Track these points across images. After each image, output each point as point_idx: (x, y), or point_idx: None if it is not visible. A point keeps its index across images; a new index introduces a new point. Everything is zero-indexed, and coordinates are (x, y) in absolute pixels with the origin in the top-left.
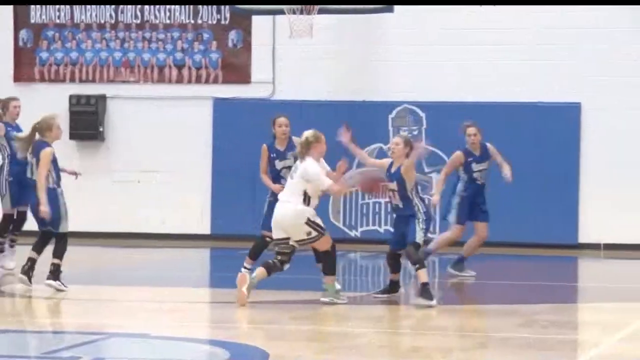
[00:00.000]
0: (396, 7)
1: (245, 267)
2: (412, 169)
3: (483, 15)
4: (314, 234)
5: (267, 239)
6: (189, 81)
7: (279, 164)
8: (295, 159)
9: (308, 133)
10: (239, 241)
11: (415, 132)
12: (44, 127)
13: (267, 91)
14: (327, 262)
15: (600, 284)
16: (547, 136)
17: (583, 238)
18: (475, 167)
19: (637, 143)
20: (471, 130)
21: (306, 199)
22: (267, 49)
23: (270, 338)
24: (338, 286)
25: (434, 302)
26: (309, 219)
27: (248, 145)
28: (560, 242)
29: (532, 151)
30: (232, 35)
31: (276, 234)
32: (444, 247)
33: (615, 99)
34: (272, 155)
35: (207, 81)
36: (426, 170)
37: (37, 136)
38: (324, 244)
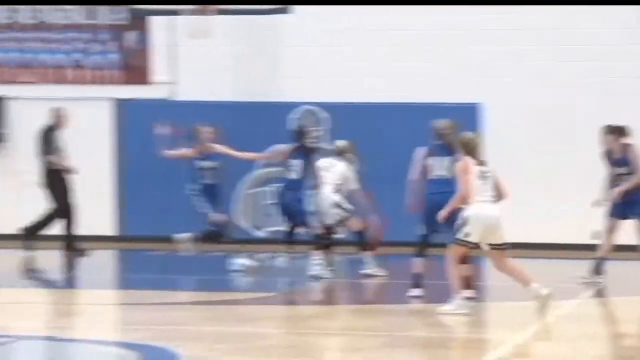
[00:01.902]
0: (297, 8)
1: None
2: None
3: (382, 15)
4: None
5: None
6: (88, 82)
7: None
8: None
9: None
10: (150, 242)
11: (321, 133)
12: None
13: (167, 92)
14: None
15: (501, 283)
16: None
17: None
18: None
19: (535, 142)
20: None
21: None
22: (166, 50)
23: (182, 339)
24: None
25: None
26: None
27: (149, 145)
28: None
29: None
30: (131, 35)
31: None
32: None
33: (517, 98)
34: None
35: (106, 82)
36: None
37: None
38: None
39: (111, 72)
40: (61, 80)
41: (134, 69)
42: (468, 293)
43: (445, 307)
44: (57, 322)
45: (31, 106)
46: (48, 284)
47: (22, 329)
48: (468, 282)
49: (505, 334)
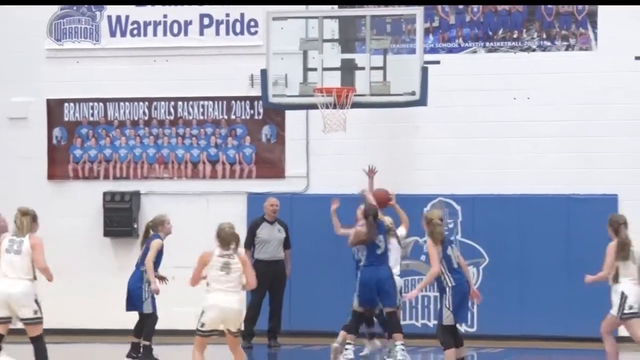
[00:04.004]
0: (429, 100)
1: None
2: None
3: (516, 107)
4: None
5: None
6: (223, 176)
7: None
8: None
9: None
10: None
11: (451, 225)
12: (157, 223)
13: (301, 185)
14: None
15: None
16: (582, 228)
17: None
18: None
19: None
20: None
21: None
22: (300, 144)
23: None
24: None
25: None
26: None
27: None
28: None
29: (566, 244)
30: (266, 130)
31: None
32: None
33: None
34: None
35: (241, 176)
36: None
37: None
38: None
39: (246, 166)
40: (196, 176)
41: (268, 163)
42: None
43: None
44: None
45: (165, 201)
46: None
47: None
48: None
49: None
